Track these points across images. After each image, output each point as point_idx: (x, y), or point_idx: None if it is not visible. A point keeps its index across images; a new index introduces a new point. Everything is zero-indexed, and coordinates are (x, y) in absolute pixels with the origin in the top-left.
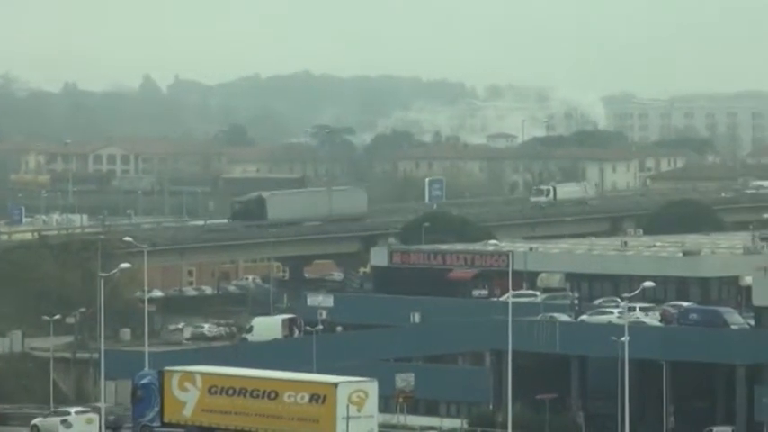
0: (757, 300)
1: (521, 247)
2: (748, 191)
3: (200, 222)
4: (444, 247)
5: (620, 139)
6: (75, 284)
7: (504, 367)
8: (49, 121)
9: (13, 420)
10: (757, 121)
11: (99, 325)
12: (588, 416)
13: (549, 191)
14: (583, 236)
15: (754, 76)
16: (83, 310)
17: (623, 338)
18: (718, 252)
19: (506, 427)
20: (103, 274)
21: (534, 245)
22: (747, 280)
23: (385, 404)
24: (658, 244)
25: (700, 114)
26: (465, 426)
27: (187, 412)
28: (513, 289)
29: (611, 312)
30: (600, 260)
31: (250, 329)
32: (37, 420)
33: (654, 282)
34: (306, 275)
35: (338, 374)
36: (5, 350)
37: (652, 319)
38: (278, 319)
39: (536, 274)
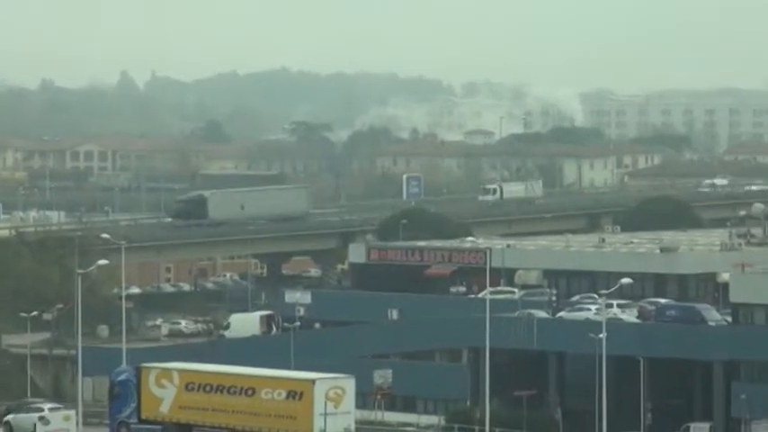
0: (734, 296)
1: (498, 243)
2: (701, 189)
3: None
4: (422, 243)
5: (597, 136)
6: (52, 281)
7: (482, 364)
8: (26, 117)
9: None
10: (734, 117)
11: (76, 322)
12: (566, 412)
13: (495, 190)
14: (560, 233)
15: (732, 73)
16: (60, 306)
17: (601, 335)
18: (696, 249)
19: (484, 424)
20: (81, 271)
21: (512, 242)
22: (725, 277)
23: (363, 401)
24: (636, 240)
25: (677, 111)
26: (442, 422)
27: (164, 409)
28: (490, 286)
29: (589, 309)
30: (577, 257)
31: (227, 326)
32: (9, 417)
33: (631, 278)
34: (283, 272)
35: (316, 371)
36: None
37: (629, 316)
38: (255, 316)
39: (514, 270)
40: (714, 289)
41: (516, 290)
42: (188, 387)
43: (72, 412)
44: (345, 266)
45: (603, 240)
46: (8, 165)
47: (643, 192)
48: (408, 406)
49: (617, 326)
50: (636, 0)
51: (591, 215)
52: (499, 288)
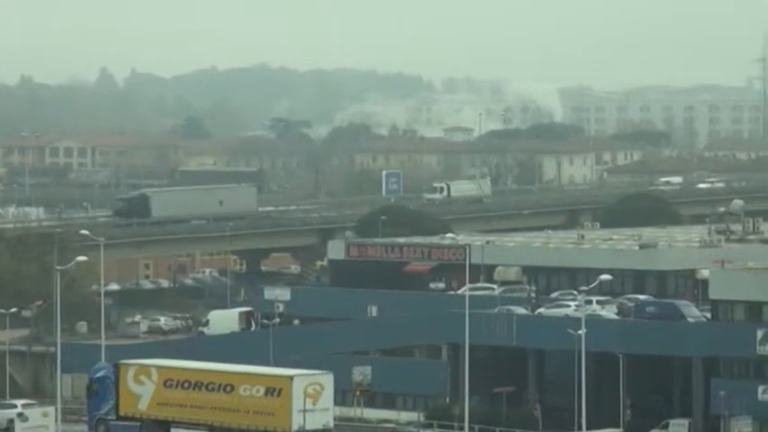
0: (714, 293)
1: (477, 240)
2: (654, 187)
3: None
4: (401, 240)
5: (576, 133)
6: (31, 278)
7: (461, 360)
8: (5, 113)
9: None
10: (714, 114)
11: (55, 318)
12: (545, 409)
13: (443, 188)
14: (540, 229)
15: (711, 70)
16: (39, 303)
17: (580, 331)
18: (675, 245)
19: (463, 421)
20: (60, 268)
21: (491, 238)
22: (704, 273)
23: (342, 397)
24: (615, 237)
25: (656, 107)
26: (422, 419)
27: (142, 406)
28: (469, 282)
29: (568, 305)
30: (557, 253)
31: (207, 323)
32: None
33: (611, 275)
34: (263, 269)
35: (295, 368)
36: None
37: (609, 312)
38: (235, 313)
39: (493, 267)
40: (693, 285)
41: (495, 286)
42: (166, 384)
43: (51, 409)
44: (324, 263)
45: (583, 237)
46: None
47: (622, 188)
48: (388, 402)
49: (596, 322)
50: None
51: (570, 211)
52: (478, 284)
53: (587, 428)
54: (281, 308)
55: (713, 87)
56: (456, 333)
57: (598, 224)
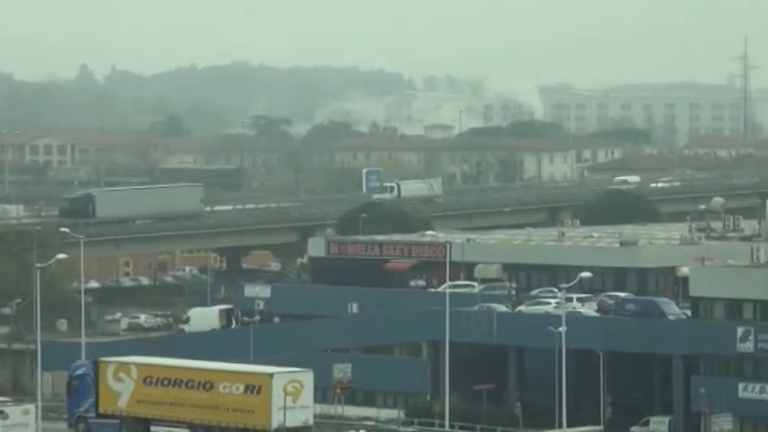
0: (694, 290)
1: (458, 237)
2: (611, 186)
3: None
4: (381, 237)
5: (557, 130)
6: (10, 275)
7: (442, 358)
8: None
9: None
10: (694, 111)
11: (35, 316)
12: (525, 406)
13: (392, 188)
14: (520, 226)
15: (691, 67)
16: (19, 301)
17: (560, 329)
18: (655, 243)
19: (444, 418)
20: (40, 265)
21: (471, 235)
22: (684, 270)
23: (322, 395)
24: (595, 234)
25: (637, 105)
26: (402, 416)
27: (122, 403)
28: (450, 280)
29: (549, 303)
30: (537, 251)
31: (187, 320)
32: None
33: (591, 272)
34: (243, 266)
35: (275, 365)
36: None
37: (589, 310)
38: (215, 310)
39: (473, 264)
40: (674, 283)
41: (476, 284)
42: (146, 381)
43: (31, 407)
44: (305, 260)
45: (563, 234)
46: None
47: (603, 186)
48: (368, 400)
49: (577, 320)
50: None
51: (551, 209)
52: (459, 282)
53: (567, 426)
54: (262, 305)
55: (694, 85)
56: (436, 330)
57: (578, 222)
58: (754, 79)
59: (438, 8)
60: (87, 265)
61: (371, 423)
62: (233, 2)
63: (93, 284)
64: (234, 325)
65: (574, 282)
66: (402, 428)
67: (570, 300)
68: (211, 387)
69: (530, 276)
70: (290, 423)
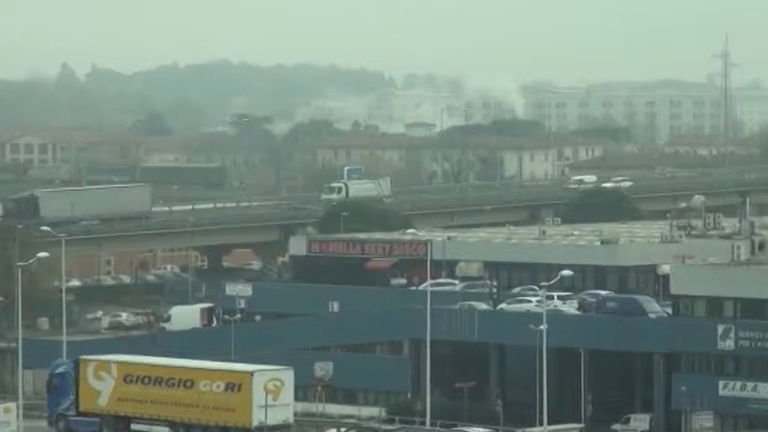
0: (675, 288)
1: (439, 236)
2: (567, 186)
3: None
4: (362, 236)
5: (537, 128)
6: None
7: (423, 356)
8: None
9: None
10: (675, 109)
11: (17, 314)
12: (506, 404)
13: (340, 189)
14: (501, 225)
15: (672, 65)
16: (0, 299)
17: (541, 327)
18: (636, 241)
19: (425, 416)
20: (21, 264)
21: (452, 234)
22: (665, 269)
23: (304, 393)
24: (576, 233)
25: (617, 103)
26: (383, 414)
27: (102, 401)
28: (431, 278)
29: (530, 301)
30: (518, 249)
31: (168, 318)
32: None
33: (572, 270)
34: (224, 264)
35: (257, 363)
36: None
37: (570, 308)
38: (196, 309)
39: (454, 262)
40: (654, 281)
41: (457, 282)
42: (126, 379)
43: (12, 405)
44: (286, 259)
45: (544, 232)
46: None
47: (583, 184)
48: (349, 398)
49: (557, 318)
50: None
51: (531, 207)
52: (440, 280)
53: (548, 423)
54: (243, 304)
55: (675, 83)
56: (417, 329)
57: (559, 220)
58: (734, 77)
59: (418, 7)
60: (69, 263)
61: (352, 421)
62: (214, 1)
63: (75, 283)
64: (215, 323)
65: (555, 280)
66: (383, 426)
67: (551, 298)
68: (192, 385)
69: (511, 274)
70: (270, 421)
